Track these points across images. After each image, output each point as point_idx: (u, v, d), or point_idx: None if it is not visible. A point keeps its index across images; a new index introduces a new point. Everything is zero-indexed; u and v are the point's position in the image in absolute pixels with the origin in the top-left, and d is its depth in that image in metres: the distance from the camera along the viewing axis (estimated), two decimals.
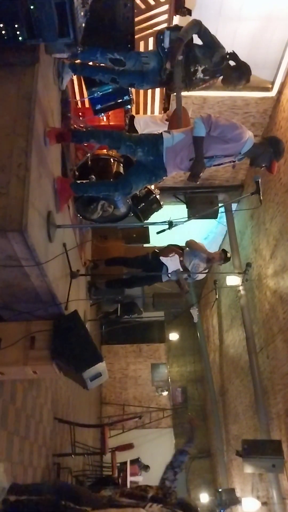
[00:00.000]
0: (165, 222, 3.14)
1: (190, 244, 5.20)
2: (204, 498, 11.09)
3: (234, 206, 9.45)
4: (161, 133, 3.21)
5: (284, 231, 6.73)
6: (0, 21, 2.23)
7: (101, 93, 4.00)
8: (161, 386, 13.20)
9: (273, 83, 6.57)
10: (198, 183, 3.30)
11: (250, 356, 7.91)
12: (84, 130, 4.00)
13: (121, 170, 4.56)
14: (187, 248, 5.20)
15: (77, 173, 4.31)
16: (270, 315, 7.40)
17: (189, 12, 4.59)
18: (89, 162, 4.38)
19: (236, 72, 3.54)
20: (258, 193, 3.12)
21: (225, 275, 8.15)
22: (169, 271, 5.05)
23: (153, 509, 2.75)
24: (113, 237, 7.04)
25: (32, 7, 2.18)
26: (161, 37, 3.48)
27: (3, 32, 2.28)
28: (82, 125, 4.47)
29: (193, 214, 7.96)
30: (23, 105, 2.48)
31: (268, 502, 7.16)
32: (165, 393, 13.01)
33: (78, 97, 5.23)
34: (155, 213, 5.29)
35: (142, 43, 4.98)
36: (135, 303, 8.09)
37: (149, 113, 5.95)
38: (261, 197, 3.12)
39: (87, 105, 4.81)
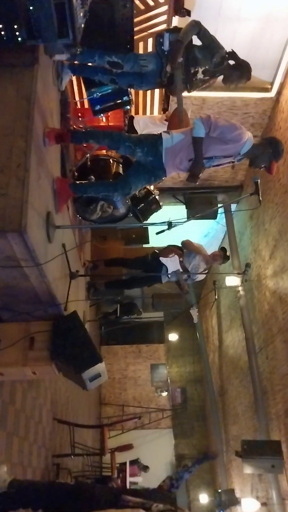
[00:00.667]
0: (164, 222, 3.13)
1: (186, 244, 5.16)
2: (203, 498, 11.10)
3: (233, 206, 9.46)
4: (161, 133, 3.21)
5: (283, 231, 6.74)
6: (0, 21, 2.23)
7: (100, 94, 4.00)
8: (161, 386, 13.19)
9: (272, 83, 6.58)
10: (197, 183, 3.30)
11: (250, 357, 7.91)
12: (83, 130, 4.00)
13: (120, 170, 4.57)
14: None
15: (76, 174, 4.32)
16: (270, 316, 7.40)
17: (188, 13, 4.59)
18: (89, 163, 4.38)
19: (237, 71, 3.55)
20: (257, 193, 3.12)
21: (225, 275, 8.16)
22: (169, 271, 5.05)
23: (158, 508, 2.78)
24: (112, 237, 7.05)
25: (31, 7, 2.18)
26: (161, 40, 3.45)
27: (3, 32, 2.27)
28: (81, 126, 4.47)
29: (192, 214, 7.96)
30: (22, 106, 2.48)
31: (268, 502, 7.16)
32: (164, 394, 13.00)
33: (77, 98, 5.24)
34: (155, 213, 5.29)
35: (141, 44, 4.99)
36: (134, 304, 8.08)
37: (148, 113, 5.96)
38: (260, 198, 3.12)
39: (86, 105, 4.81)
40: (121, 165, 4.59)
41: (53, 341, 2.99)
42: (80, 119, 4.75)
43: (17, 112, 2.46)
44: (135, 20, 3.82)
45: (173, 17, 4.77)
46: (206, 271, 5.40)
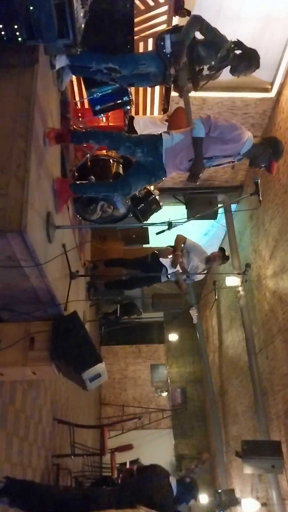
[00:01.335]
0: (164, 222, 3.13)
1: (175, 241, 5.15)
2: (203, 499, 11.08)
3: (233, 206, 9.47)
4: (161, 134, 3.20)
5: (283, 231, 6.74)
6: (0, 21, 2.23)
7: (100, 94, 3.99)
8: (161, 387, 13.19)
9: (272, 84, 6.59)
10: (197, 183, 3.29)
11: (250, 357, 7.91)
12: (84, 131, 4.00)
13: (121, 170, 4.56)
14: (184, 250, 5.18)
15: (76, 174, 4.31)
16: (270, 316, 7.40)
17: (188, 13, 4.58)
18: (89, 163, 4.38)
19: (245, 61, 3.46)
20: (257, 193, 3.11)
21: (225, 275, 8.16)
22: (169, 272, 5.05)
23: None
24: (112, 237, 7.05)
25: (31, 7, 2.18)
26: (162, 43, 3.39)
27: (3, 32, 2.27)
28: (81, 126, 4.47)
29: (192, 214, 7.98)
30: (22, 106, 2.48)
31: (268, 503, 7.16)
32: (164, 394, 13.00)
33: (77, 98, 5.24)
34: (155, 213, 5.29)
35: (141, 44, 4.98)
36: (134, 304, 8.08)
37: (148, 114, 5.95)
38: (261, 198, 3.11)
39: (86, 106, 4.81)
40: (121, 165, 4.59)
41: (53, 341, 2.98)
42: (80, 119, 4.75)
43: (17, 112, 2.45)
44: (135, 20, 3.81)
45: (173, 17, 4.76)
46: (205, 272, 5.40)
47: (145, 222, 5.27)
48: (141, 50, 5.07)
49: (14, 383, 3.59)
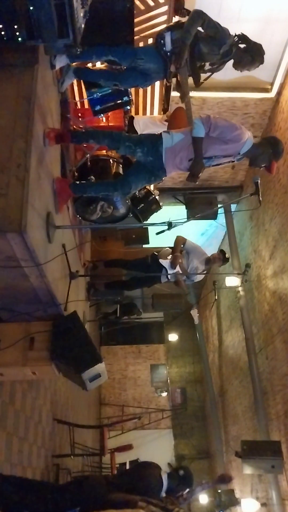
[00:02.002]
0: (164, 223, 3.13)
1: (175, 243, 5.14)
2: (203, 499, 11.08)
3: (233, 207, 9.47)
4: (161, 133, 3.20)
5: (283, 232, 6.74)
6: (0, 21, 2.23)
7: (100, 94, 4.00)
8: (161, 387, 13.19)
9: (272, 84, 6.59)
10: (197, 183, 3.29)
11: (250, 357, 7.91)
12: (84, 131, 4.00)
13: (120, 170, 4.57)
14: (184, 250, 5.18)
15: (76, 174, 4.31)
16: (270, 316, 7.40)
17: (188, 13, 4.56)
18: (89, 163, 4.38)
19: (248, 55, 3.39)
20: (257, 194, 3.11)
21: (225, 276, 8.16)
22: (169, 273, 5.05)
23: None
24: (112, 238, 7.05)
25: (31, 7, 2.18)
26: (161, 41, 3.35)
27: (3, 32, 2.28)
28: (81, 126, 4.47)
29: (192, 215, 7.99)
30: (22, 106, 2.47)
31: (268, 503, 7.16)
32: (164, 394, 13.00)
33: (77, 98, 5.24)
34: (155, 214, 5.29)
35: (141, 44, 4.98)
36: (134, 304, 8.09)
37: (148, 113, 5.96)
38: (260, 198, 3.11)
39: (86, 106, 4.81)
40: (121, 165, 4.59)
41: (53, 342, 2.98)
42: (80, 119, 4.75)
43: (17, 112, 2.45)
44: (135, 20, 3.80)
45: (173, 17, 4.76)
46: (205, 272, 5.40)
47: (145, 222, 5.27)
48: None
49: (14, 383, 3.58)
